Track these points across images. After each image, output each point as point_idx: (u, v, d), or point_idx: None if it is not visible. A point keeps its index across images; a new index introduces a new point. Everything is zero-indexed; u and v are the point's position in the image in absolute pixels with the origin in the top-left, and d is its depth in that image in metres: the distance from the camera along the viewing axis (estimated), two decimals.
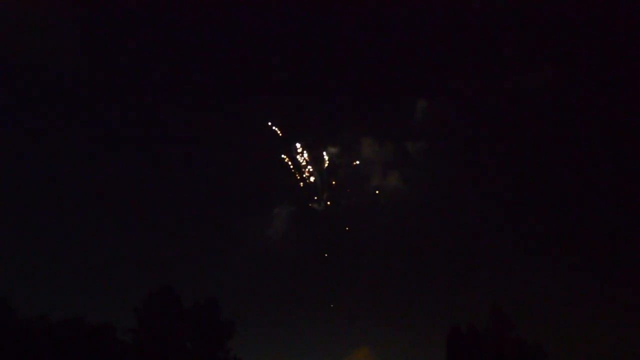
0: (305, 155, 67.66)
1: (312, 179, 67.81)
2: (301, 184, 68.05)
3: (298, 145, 67.64)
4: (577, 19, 70.68)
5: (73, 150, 74.36)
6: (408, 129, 71.88)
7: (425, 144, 70.30)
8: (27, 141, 72.45)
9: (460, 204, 71.62)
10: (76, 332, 50.03)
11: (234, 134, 69.93)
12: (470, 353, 54.87)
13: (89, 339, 49.95)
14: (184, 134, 74.72)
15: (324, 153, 68.89)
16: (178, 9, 75.53)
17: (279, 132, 66.15)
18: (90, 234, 73.02)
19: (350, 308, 67.94)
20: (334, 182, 68.98)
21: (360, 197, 70.12)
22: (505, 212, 72.85)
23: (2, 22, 65.12)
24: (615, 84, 71.55)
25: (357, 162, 71.14)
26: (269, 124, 68.18)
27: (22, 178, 71.49)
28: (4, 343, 46.09)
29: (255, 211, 71.34)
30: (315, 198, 68.37)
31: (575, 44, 72.66)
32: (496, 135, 73.18)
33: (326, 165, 68.69)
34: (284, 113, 68.92)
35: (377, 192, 67.77)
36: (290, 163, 67.18)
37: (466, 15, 73.03)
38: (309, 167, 68.06)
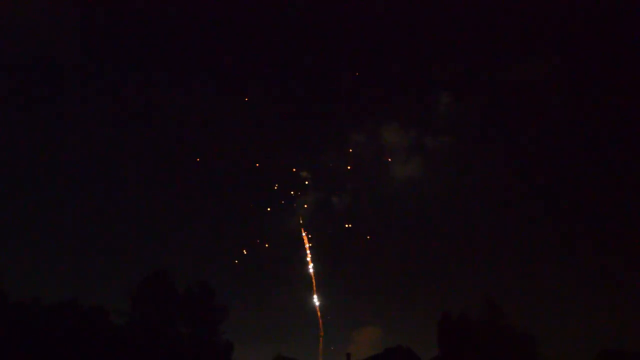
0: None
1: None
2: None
3: None
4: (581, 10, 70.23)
5: (70, 134, 73.80)
6: (431, 121, 71.42)
7: (447, 138, 69.92)
8: (24, 127, 71.83)
9: (464, 198, 72.18)
10: (69, 315, 50.09)
11: (246, 117, 68.94)
12: (461, 338, 55.60)
13: (82, 322, 50.05)
14: (186, 118, 73.84)
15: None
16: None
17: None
18: (85, 217, 72.84)
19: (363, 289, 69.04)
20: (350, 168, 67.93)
21: (380, 188, 69.78)
22: (502, 206, 73.81)
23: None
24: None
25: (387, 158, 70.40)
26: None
27: (16, 162, 70.98)
28: None
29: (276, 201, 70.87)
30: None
31: (577, 34, 72.43)
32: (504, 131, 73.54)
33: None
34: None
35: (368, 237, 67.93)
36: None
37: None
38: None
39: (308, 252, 67.82)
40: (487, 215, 73.34)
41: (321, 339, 65.99)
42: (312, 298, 67.61)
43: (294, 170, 66.66)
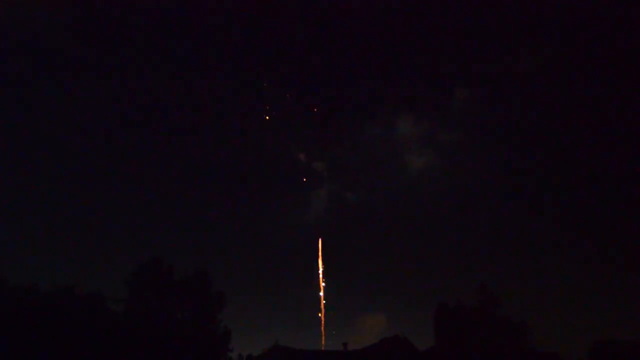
0: None
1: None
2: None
3: None
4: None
5: (68, 122, 73.68)
6: (445, 115, 71.26)
7: (460, 136, 69.80)
8: (21, 115, 71.71)
9: (468, 192, 72.41)
10: (67, 302, 50.21)
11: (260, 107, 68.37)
12: (457, 328, 55.87)
13: (79, 309, 50.19)
14: (189, 108, 73.27)
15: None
16: None
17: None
18: (83, 205, 72.87)
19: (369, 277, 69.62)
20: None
21: (393, 182, 69.70)
22: (501, 200, 74.30)
23: None
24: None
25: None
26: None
27: (14, 152, 70.95)
28: None
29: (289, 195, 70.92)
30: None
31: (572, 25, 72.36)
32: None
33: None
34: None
35: None
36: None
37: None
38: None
39: (319, 243, 68.25)
40: (488, 210, 73.89)
41: (322, 324, 66.51)
42: (318, 287, 68.00)
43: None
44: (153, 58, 76.27)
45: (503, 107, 74.18)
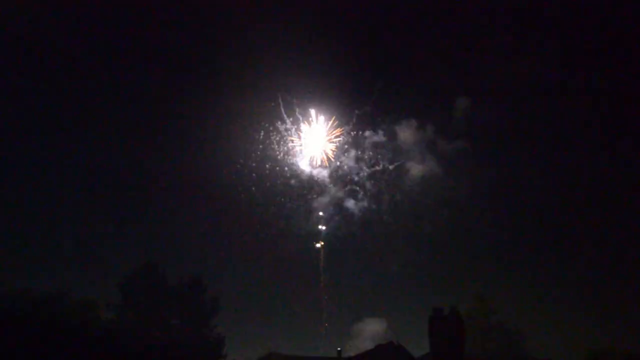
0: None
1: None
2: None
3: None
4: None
5: (61, 126, 73.44)
6: (445, 125, 71.53)
7: (461, 144, 70.03)
8: (16, 120, 71.43)
9: (462, 197, 72.55)
10: (59, 307, 49.87)
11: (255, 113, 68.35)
12: (452, 334, 55.59)
13: (72, 314, 49.85)
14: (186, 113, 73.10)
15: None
16: None
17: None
18: (76, 209, 72.48)
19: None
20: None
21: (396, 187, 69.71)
22: (498, 208, 74.57)
23: None
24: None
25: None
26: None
27: (9, 153, 70.59)
28: None
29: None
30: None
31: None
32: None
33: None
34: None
35: None
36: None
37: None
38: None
39: (322, 247, 68.21)
40: (488, 218, 74.11)
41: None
42: (318, 294, 67.97)
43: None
44: (153, 60, 76.19)
45: (504, 115, 74.62)
